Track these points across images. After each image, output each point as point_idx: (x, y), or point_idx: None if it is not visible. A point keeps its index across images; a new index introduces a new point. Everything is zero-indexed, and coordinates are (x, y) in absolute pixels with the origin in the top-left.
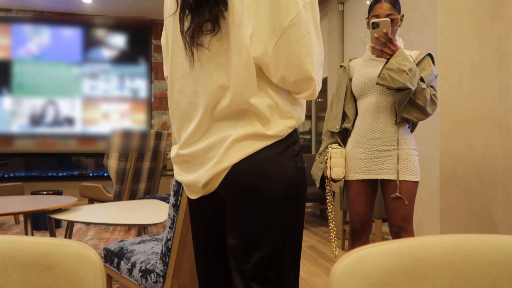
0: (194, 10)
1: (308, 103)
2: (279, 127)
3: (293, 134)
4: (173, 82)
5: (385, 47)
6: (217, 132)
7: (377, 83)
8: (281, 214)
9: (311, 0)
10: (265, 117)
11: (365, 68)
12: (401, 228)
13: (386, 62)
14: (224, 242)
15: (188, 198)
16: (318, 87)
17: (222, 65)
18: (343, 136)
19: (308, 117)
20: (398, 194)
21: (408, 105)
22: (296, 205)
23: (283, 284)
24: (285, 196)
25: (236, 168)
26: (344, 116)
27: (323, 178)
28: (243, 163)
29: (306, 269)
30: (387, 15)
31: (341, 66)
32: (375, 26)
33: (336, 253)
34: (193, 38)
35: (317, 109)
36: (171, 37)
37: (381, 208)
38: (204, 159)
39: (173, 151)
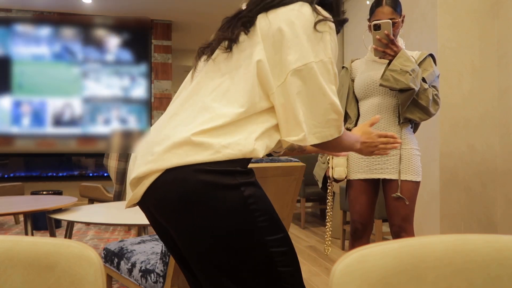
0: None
1: None
2: (230, 145)
3: (241, 161)
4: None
5: (387, 49)
6: (168, 123)
7: (381, 85)
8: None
9: (310, 69)
10: (224, 129)
11: (367, 70)
12: (401, 228)
13: (389, 63)
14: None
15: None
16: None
17: (221, 71)
18: None
19: None
20: (399, 194)
21: (411, 106)
22: (238, 219)
23: None
24: (219, 215)
25: (166, 176)
26: (346, 117)
27: (325, 178)
28: (173, 171)
29: (306, 269)
30: (389, 19)
31: (343, 67)
32: (376, 27)
33: (328, 252)
34: (209, 49)
35: None
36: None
37: (381, 208)
38: (144, 153)
39: None
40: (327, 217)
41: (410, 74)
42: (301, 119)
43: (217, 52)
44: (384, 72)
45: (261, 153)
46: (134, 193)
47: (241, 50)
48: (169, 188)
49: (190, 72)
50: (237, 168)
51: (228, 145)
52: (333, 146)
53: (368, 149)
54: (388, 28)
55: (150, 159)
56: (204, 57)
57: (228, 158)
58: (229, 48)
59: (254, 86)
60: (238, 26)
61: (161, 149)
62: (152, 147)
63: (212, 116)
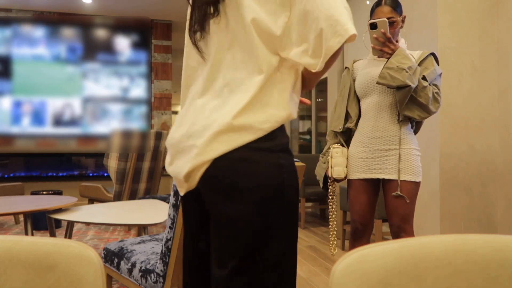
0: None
1: None
2: (267, 119)
3: (279, 129)
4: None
5: (384, 47)
6: (200, 114)
7: (377, 82)
8: (260, 217)
9: None
10: (256, 102)
11: (368, 68)
12: (400, 228)
13: (386, 62)
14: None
15: (180, 197)
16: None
17: (225, 44)
18: (347, 136)
19: (308, 117)
20: (398, 192)
21: (410, 103)
22: (280, 207)
23: None
24: (266, 197)
25: (216, 164)
26: (347, 116)
27: (326, 178)
28: (223, 158)
29: (306, 269)
30: (388, 18)
31: (346, 67)
32: (373, 26)
33: (335, 252)
34: (200, 24)
35: (317, 109)
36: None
37: (381, 208)
38: (185, 147)
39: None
40: (330, 218)
41: (407, 71)
42: (327, 32)
43: (209, 23)
44: (382, 70)
45: (295, 113)
46: (188, 183)
47: (230, 9)
48: (221, 172)
49: (189, 52)
50: (279, 144)
51: (266, 120)
52: (334, 58)
53: None
54: (385, 27)
55: (196, 152)
56: (198, 36)
57: (269, 131)
58: (216, 12)
59: (259, 46)
60: None
61: (204, 140)
62: (193, 140)
63: (241, 95)
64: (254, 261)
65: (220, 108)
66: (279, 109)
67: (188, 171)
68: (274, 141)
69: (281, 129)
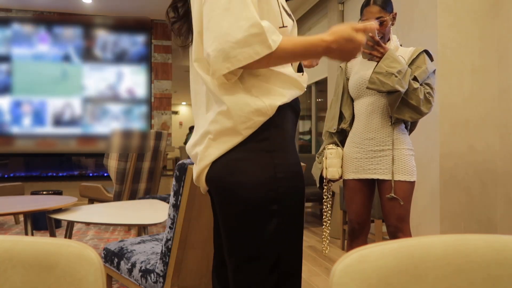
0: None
1: (308, 103)
2: (249, 118)
3: (274, 127)
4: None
5: (373, 51)
6: (201, 126)
7: (367, 88)
8: (253, 219)
9: None
10: (236, 106)
11: (360, 70)
12: (397, 228)
13: (376, 66)
14: None
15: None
16: (221, 65)
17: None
18: (342, 136)
19: (308, 117)
20: (393, 194)
21: (401, 105)
22: (273, 208)
23: None
24: (259, 198)
25: (214, 167)
26: (341, 117)
27: (322, 177)
28: (219, 161)
29: (306, 269)
30: (377, 18)
31: (339, 67)
32: None
33: (327, 251)
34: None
35: (317, 109)
36: None
37: (380, 208)
38: (194, 155)
39: None
40: (323, 217)
41: (396, 76)
42: (206, 48)
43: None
44: (371, 74)
45: (277, 101)
46: (200, 185)
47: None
48: (219, 173)
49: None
50: (274, 143)
51: (248, 119)
52: (280, 60)
53: (344, 47)
54: (373, 30)
55: (198, 158)
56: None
57: (255, 129)
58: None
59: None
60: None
61: (202, 147)
62: (197, 149)
63: (220, 103)
64: (251, 261)
65: (209, 117)
66: (254, 105)
67: (196, 177)
68: (269, 140)
69: (276, 127)
